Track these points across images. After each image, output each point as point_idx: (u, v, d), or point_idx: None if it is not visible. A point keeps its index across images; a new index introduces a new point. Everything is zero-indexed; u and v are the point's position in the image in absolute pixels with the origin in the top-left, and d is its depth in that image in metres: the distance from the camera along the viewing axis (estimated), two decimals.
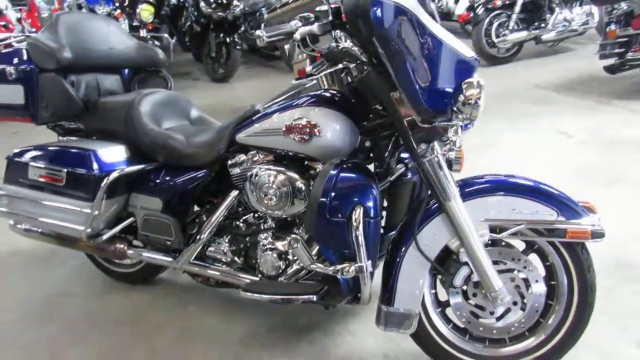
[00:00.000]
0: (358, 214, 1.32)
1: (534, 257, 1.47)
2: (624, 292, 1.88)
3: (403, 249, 1.43)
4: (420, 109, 1.26)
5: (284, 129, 1.49)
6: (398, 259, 1.44)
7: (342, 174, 1.35)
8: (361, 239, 1.32)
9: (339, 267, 1.35)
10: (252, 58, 6.95)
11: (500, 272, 1.43)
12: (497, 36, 5.62)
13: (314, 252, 1.50)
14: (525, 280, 1.44)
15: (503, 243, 1.48)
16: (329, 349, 1.75)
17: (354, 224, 1.32)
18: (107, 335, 1.95)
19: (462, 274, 1.44)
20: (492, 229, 1.40)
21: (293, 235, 1.47)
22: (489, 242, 1.42)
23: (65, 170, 1.80)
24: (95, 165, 1.76)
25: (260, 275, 1.67)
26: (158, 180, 1.82)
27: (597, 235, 1.33)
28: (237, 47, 6.00)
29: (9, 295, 2.26)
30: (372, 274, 1.38)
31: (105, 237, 1.87)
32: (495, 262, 1.43)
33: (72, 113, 1.92)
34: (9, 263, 2.51)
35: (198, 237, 1.75)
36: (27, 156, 1.92)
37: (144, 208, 1.84)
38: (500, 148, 3.38)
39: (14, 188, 1.94)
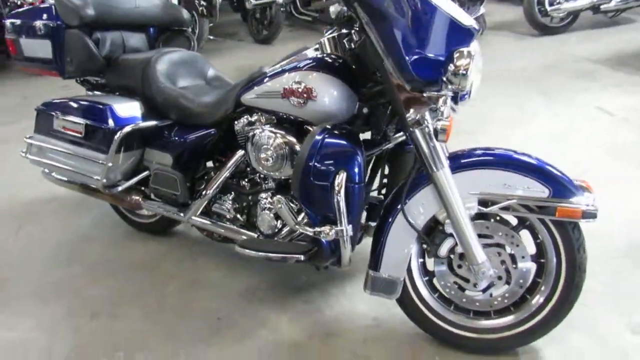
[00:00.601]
0: (341, 179, 1.34)
1: (525, 234, 1.45)
2: (631, 277, 1.82)
3: (391, 217, 1.45)
4: (409, 79, 1.25)
5: (282, 91, 1.51)
6: (386, 227, 1.46)
7: (327, 139, 1.37)
8: (342, 203, 1.35)
9: (319, 229, 1.39)
10: (296, 21, 6.89)
11: (487, 245, 1.42)
12: (551, 4, 5.28)
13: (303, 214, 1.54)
14: (512, 256, 1.42)
15: (498, 218, 1.46)
16: (322, 308, 1.82)
17: (336, 188, 1.34)
18: (123, 279, 2.10)
19: (447, 245, 1.44)
20: (484, 203, 1.39)
21: (278, 196, 1.52)
22: (479, 215, 1.41)
23: (84, 122, 1.92)
24: (110, 120, 1.86)
25: (258, 234, 1.73)
26: (170, 137, 1.90)
27: (589, 215, 1.29)
28: (281, 9, 5.99)
29: (43, 238, 2.46)
30: (353, 238, 1.41)
31: (120, 188, 1.98)
32: (483, 236, 1.42)
33: (94, 69, 2.02)
34: (46, 208, 2.72)
35: (204, 192, 1.83)
36: (53, 108, 2.04)
37: (157, 163, 1.93)
38: (535, 122, 3.25)
39: (42, 137, 2.09)
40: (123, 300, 1.96)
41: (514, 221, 1.46)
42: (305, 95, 1.47)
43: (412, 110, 1.34)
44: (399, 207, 1.42)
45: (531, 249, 1.45)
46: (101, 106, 1.89)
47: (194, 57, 2.10)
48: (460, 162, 1.39)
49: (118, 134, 1.84)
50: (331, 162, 1.36)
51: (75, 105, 1.99)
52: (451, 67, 1.21)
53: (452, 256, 1.47)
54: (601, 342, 1.56)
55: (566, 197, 1.31)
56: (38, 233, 2.51)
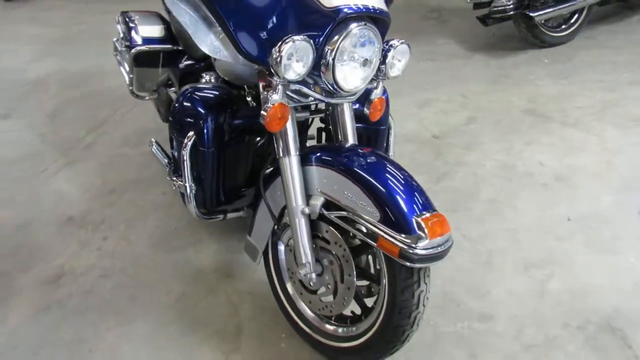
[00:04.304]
0: (188, 139, 1.39)
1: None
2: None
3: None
4: (239, 50, 1.19)
5: None
6: (259, 199, 1.47)
7: (184, 99, 1.41)
8: (187, 163, 1.40)
9: (174, 179, 1.48)
10: None
11: (323, 249, 1.34)
12: None
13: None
14: (341, 270, 1.31)
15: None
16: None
17: (183, 148, 1.40)
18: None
19: (287, 235, 1.39)
20: (331, 205, 1.29)
21: (151, 139, 1.62)
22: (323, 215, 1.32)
23: (124, 36, 2.23)
24: (131, 37, 2.14)
25: None
26: (175, 64, 2.11)
27: (405, 257, 1.11)
28: None
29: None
30: (203, 197, 1.47)
31: (147, 98, 2.31)
32: (323, 239, 1.34)
33: None
34: None
35: None
36: (120, 18, 2.40)
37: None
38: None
39: (118, 44, 2.49)
40: None
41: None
42: None
43: (266, 91, 1.27)
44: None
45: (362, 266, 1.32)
46: (132, 25, 2.18)
47: None
48: (317, 156, 1.29)
49: (131, 51, 2.12)
50: (185, 121, 1.41)
51: (130, 19, 2.30)
52: (274, 53, 1.11)
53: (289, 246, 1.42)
54: None
55: (393, 228, 1.14)
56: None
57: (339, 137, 1.41)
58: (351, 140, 1.40)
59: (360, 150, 1.30)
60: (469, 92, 3.07)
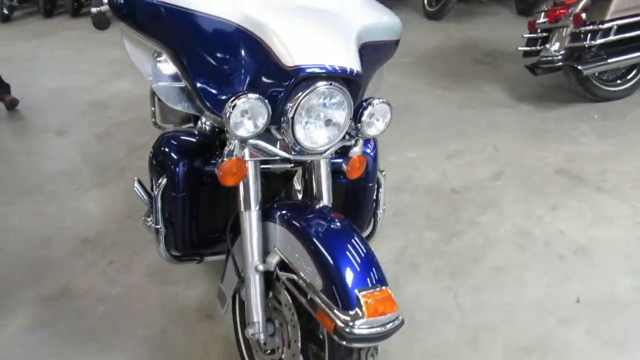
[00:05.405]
0: (160, 182, 1.42)
1: None
2: None
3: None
4: (200, 101, 1.21)
5: None
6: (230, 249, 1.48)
7: (162, 144, 1.44)
8: (158, 204, 1.43)
9: (148, 218, 1.52)
10: None
11: (277, 310, 1.31)
12: None
13: None
14: (288, 333, 1.27)
15: None
16: None
17: (155, 190, 1.43)
18: None
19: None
20: (286, 265, 1.27)
21: (135, 177, 1.66)
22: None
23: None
24: (154, 72, 2.25)
25: None
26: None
27: (339, 335, 1.06)
28: None
29: None
30: (174, 239, 1.49)
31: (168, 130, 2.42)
32: (275, 298, 1.31)
33: None
34: None
35: None
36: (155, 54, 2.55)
37: None
38: None
39: None
40: None
41: None
42: None
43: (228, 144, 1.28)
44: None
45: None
46: (158, 60, 2.30)
47: None
48: (279, 213, 1.28)
49: (153, 85, 2.23)
50: (159, 165, 1.45)
51: (156, 54, 2.44)
52: (226, 108, 1.12)
53: None
54: None
55: (332, 300, 1.09)
56: None
57: (314, 192, 1.38)
58: (325, 198, 1.36)
59: (325, 214, 1.27)
60: (502, 144, 2.92)
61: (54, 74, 4.89)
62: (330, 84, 1.15)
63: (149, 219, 1.54)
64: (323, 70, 1.13)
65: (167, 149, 1.44)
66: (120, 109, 3.93)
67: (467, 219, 2.30)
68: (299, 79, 1.12)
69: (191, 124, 2.32)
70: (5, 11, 7.42)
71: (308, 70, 1.12)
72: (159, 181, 1.44)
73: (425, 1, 5.69)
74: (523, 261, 2.01)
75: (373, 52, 1.37)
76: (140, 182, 1.62)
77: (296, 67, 1.11)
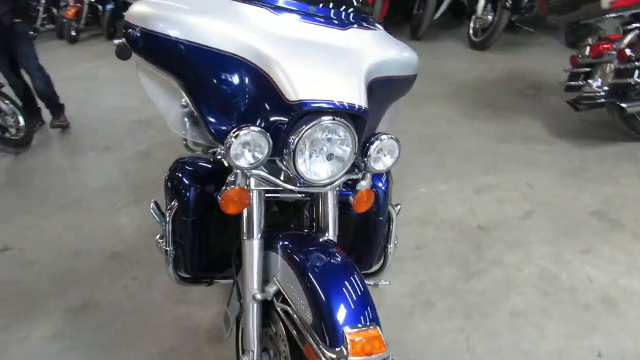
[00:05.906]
0: (172, 207, 1.47)
1: None
2: None
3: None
4: (207, 130, 1.25)
5: None
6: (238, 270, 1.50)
7: (176, 169, 1.49)
8: (169, 227, 1.48)
9: (160, 239, 1.57)
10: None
11: (272, 340, 1.32)
12: None
13: None
14: None
15: None
16: None
17: (167, 214, 1.48)
18: None
19: None
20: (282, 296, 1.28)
21: (152, 199, 1.71)
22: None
23: None
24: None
25: None
26: None
27: None
28: (507, 5, 4.97)
29: None
30: (185, 262, 1.53)
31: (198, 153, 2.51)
32: (272, 328, 1.32)
33: None
34: None
35: None
36: None
37: None
38: None
39: None
40: None
41: None
42: None
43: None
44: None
45: None
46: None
47: None
48: (281, 243, 1.29)
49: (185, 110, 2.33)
50: (172, 190, 1.50)
51: None
52: (228, 139, 1.15)
53: None
54: None
55: (320, 336, 1.09)
56: None
57: (320, 224, 1.39)
58: (331, 230, 1.37)
59: (327, 249, 1.27)
60: (537, 182, 2.82)
61: (109, 94, 5.20)
62: (334, 119, 1.16)
63: (161, 241, 1.59)
64: (327, 106, 1.15)
65: (180, 174, 1.49)
66: (162, 130, 4.09)
67: (490, 258, 2.22)
68: (303, 113, 1.14)
69: (217, 149, 2.40)
70: (74, 33, 8.01)
71: (312, 105, 1.14)
72: (172, 204, 1.49)
73: (472, 31, 5.63)
74: (545, 307, 1.92)
75: (386, 87, 1.38)
76: (157, 204, 1.68)
77: (299, 101, 1.13)
